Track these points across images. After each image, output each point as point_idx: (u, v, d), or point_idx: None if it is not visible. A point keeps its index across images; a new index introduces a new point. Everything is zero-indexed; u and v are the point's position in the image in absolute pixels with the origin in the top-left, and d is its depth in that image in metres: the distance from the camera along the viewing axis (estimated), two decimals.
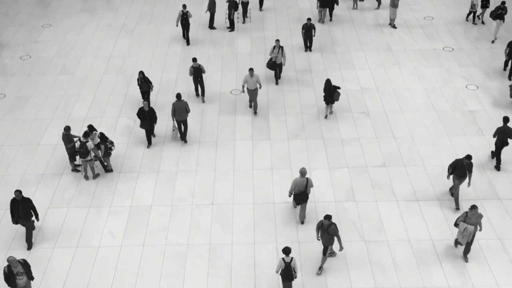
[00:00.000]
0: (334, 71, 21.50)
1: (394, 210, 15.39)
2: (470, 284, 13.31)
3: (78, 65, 22.17)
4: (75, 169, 16.79)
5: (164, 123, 18.84)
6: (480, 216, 13.30)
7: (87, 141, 15.80)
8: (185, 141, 17.93)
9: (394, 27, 24.58)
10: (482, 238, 14.48)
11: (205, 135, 18.26)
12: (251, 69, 18.18)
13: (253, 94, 18.72)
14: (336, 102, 19.61)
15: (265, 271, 13.70)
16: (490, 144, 17.68)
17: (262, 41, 23.72)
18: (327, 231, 12.96)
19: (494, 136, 16.45)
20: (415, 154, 17.34)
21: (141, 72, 18.57)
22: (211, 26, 24.59)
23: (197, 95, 20.00)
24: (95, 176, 16.54)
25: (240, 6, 26.59)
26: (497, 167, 16.66)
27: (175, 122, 17.73)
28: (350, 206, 15.52)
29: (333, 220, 15.06)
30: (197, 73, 19.24)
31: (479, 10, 25.14)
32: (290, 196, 14.62)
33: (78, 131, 18.43)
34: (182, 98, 19.40)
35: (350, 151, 17.47)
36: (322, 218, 14.67)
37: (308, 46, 22.56)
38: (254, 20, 25.51)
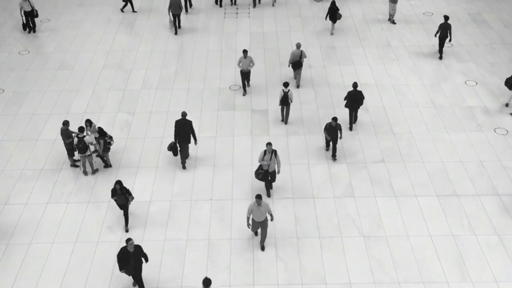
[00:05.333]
0: (334, 67, 21.49)
1: (393, 206, 15.41)
2: (469, 280, 13.35)
3: (77, 60, 22.13)
4: (74, 164, 16.78)
5: (163, 118, 18.83)
6: None
7: (85, 136, 15.79)
8: (176, 33, 23.37)
9: (393, 22, 24.55)
10: (480, 234, 14.51)
11: (204, 131, 18.25)
12: (258, 197, 13.41)
13: (261, 227, 13.94)
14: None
15: (264, 266, 13.72)
16: (490, 140, 17.71)
17: (261, 37, 23.69)
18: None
19: (436, 33, 21.24)
20: (414, 150, 17.35)
21: (118, 183, 14.01)
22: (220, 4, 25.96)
23: (186, 11, 25.28)
24: (94, 171, 16.53)
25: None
26: (440, 57, 21.59)
27: (171, 15, 23.32)
28: (349, 202, 15.54)
29: (332, 216, 15.10)
30: None
31: None
32: (289, 66, 19.85)
33: (77, 126, 18.39)
34: None
35: (349, 147, 17.48)
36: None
37: (331, 148, 17.20)
38: (253, 16, 25.45)
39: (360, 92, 17.52)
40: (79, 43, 23.31)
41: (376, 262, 13.82)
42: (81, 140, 15.70)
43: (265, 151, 15.17)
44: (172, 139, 17.84)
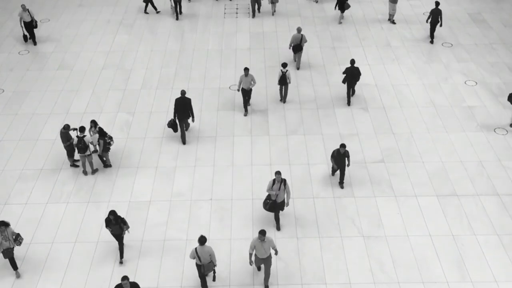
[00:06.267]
0: (333, 67, 21.49)
1: (392, 206, 15.41)
2: (468, 280, 13.35)
3: (76, 60, 22.13)
4: (73, 164, 16.78)
5: (163, 118, 18.83)
6: None
7: (85, 136, 15.78)
8: (179, 15, 24.86)
9: (393, 22, 24.55)
10: (480, 234, 14.52)
11: (204, 131, 18.25)
12: (262, 233, 12.40)
13: (264, 264, 12.97)
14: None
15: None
16: (489, 140, 17.71)
17: (261, 36, 23.69)
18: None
19: (428, 18, 22.35)
20: (414, 150, 17.35)
21: (112, 213, 13.17)
22: None
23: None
24: (94, 171, 16.53)
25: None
26: (431, 42, 22.80)
27: (172, 1, 24.45)
28: (348, 202, 15.53)
29: (332, 216, 15.10)
30: None
31: None
32: (290, 48, 21.00)
33: (77, 125, 18.38)
34: None
35: (349, 147, 17.48)
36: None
37: (340, 181, 16.03)
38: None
39: (357, 68, 18.68)
40: (78, 43, 23.31)
41: (376, 262, 13.82)
42: (81, 139, 15.69)
43: (274, 180, 14.01)
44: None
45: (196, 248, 12.37)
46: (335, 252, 14.09)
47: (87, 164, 16.94)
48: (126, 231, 13.83)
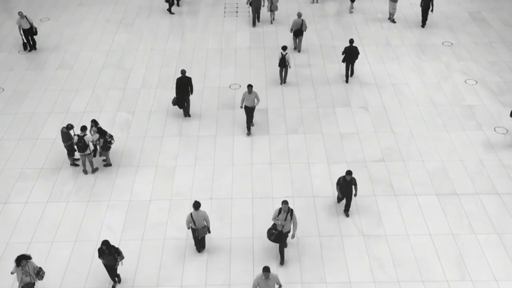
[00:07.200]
0: (333, 65, 21.48)
1: (392, 205, 15.41)
2: (468, 279, 13.35)
3: (76, 60, 22.12)
4: (74, 163, 16.78)
5: (163, 117, 18.82)
6: None
7: (85, 135, 15.78)
8: (175, 11, 25.23)
9: (393, 21, 24.54)
10: (480, 233, 14.52)
11: (204, 130, 18.25)
12: (266, 269, 11.60)
13: None
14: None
15: (263, 265, 13.70)
16: (489, 139, 17.71)
17: (261, 36, 23.68)
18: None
19: (421, 2, 23.23)
20: (414, 149, 17.35)
21: (104, 243, 12.51)
22: None
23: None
24: (94, 170, 16.53)
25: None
26: (423, 26, 23.81)
27: None
28: None
29: (332, 215, 15.10)
30: None
31: None
32: (291, 31, 21.84)
33: (76, 125, 18.37)
34: None
35: (349, 146, 17.48)
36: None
37: (345, 209, 15.02)
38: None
39: (356, 47, 19.69)
40: (78, 42, 23.30)
41: (375, 261, 13.82)
42: (81, 138, 15.69)
43: (280, 210, 13.31)
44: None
45: (191, 213, 13.30)
46: (335, 251, 14.09)
47: (87, 163, 16.94)
48: (120, 263, 12.96)
